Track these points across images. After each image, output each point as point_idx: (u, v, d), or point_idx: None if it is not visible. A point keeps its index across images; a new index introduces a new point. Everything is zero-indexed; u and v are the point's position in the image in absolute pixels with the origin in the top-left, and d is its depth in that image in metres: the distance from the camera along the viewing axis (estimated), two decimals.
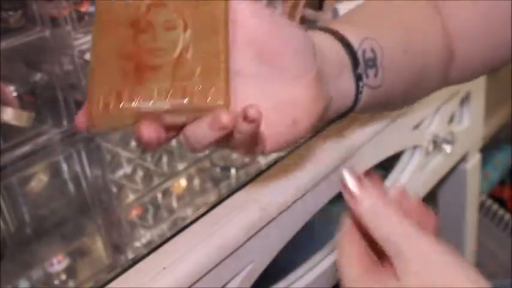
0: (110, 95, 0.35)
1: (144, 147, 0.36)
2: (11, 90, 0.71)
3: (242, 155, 0.41)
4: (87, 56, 0.74)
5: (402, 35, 0.50)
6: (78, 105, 0.76)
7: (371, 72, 0.46)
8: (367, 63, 0.46)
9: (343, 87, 0.45)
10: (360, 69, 0.46)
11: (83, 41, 0.72)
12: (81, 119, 0.36)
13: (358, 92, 0.46)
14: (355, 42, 0.46)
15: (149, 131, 0.35)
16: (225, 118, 0.34)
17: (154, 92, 0.35)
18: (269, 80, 0.39)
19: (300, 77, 0.39)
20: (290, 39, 0.39)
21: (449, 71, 0.55)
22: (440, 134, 0.87)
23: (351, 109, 0.47)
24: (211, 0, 0.37)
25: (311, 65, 0.40)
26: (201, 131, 0.36)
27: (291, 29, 0.40)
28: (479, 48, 0.55)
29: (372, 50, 0.46)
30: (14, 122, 0.71)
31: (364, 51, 0.46)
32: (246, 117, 0.35)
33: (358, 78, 0.45)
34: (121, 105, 0.35)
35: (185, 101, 0.35)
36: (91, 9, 0.74)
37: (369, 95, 0.47)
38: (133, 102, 0.35)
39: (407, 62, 0.50)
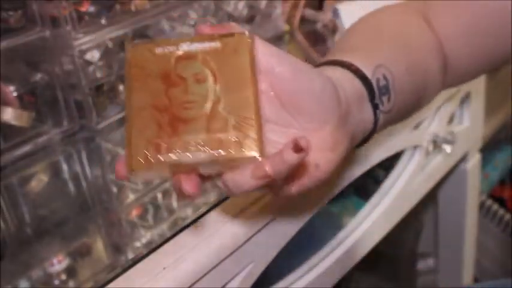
0: (149, 148, 0.36)
1: (184, 198, 0.37)
2: (11, 90, 0.71)
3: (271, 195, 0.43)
4: (88, 56, 0.74)
5: (403, 54, 0.51)
6: (78, 105, 0.76)
7: (385, 98, 0.47)
8: (381, 91, 0.47)
9: (364, 118, 0.46)
10: (376, 99, 0.47)
11: (83, 41, 0.72)
12: (121, 168, 0.37)
13: (376, 120, 0.47)
14: (368, 72, 0.46)
15: (191, 186, 0.36)
16: (268, 167, 0.36)
17: (191, 144, 0.36)
18: (292, 126, 0.40)
19: (321, 124, 0.40)
20: (312, 87, 0.40)
21: (445, 76, 0.55)
22: (440, 134, 0.87)
23: (369, 136, 0.48)
24: (237, 51, 0.38)
25: (332, 111, 0.41)
26: (243, 178, 0.37)
27: (312, 76, 0.40)
28: (470, 50, 0.55)
29: (384, 77, 0.47)
30: (14, 122, 0.71)
31: (378, 80, 0.47)
32: (296, 147, 0.36)
33: (375, 107, 0.46)
34: (160, 158, 0.36)
35: (222, 152, 0.36)
36: (91, 9, 0.74)
37: (383, 119, 0.48)
38: (172, 155, 0.36)
39: (411, 79, 0.51)
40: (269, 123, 0.40)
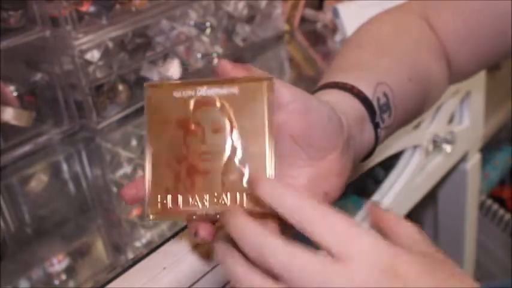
0: (167, 199, 0.39)
1: (199, 241, 0.40)
2: (11, 90, 0.72)
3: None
4: (88, 56, 0.74)
5: (405, 64, 0.51)
6: (78, 105, 0.76)
7: (385, 115, 0.48)
8: (382, 109, 0.47)
9: (366, 138, 0.47)
10: (377, 118, 0.47)
11: (83, 41, 0.72)
12: (128, 192, 0.40)
13: (377, 137, 0.48)
14: (369, 92, 0.47)
15: (207, 233, 0.39)
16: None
17: (207, 197, 0.39)
18: (300, 158, 0.41)
19: (326, 154, 0.41)
20: (320, 120, 0.41)
21: (450, 75, 0.56)
22: (440, 133, 0.87)
23: (371, 152, 0.49)
24: (255, 97, 0.39)
25: (337, 138, 0.41)
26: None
27: (321, 109, 0.41)
28: (470, 48, 0.55)
29: (385, 95, 0.48)
30: (14, 122, 0.71)
31: (378, 99, 0.47)
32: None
33: (376, 126, 0.47)
34: (178, 208, 0.39)
35: (236, 207, 0.38)
36: (91, 9, 0.74)
37: (384, 133, 0.49)
38: (189, 207, 0.39)
39: (414, 89, 0.51)
40: (281, 156, 0.40)
